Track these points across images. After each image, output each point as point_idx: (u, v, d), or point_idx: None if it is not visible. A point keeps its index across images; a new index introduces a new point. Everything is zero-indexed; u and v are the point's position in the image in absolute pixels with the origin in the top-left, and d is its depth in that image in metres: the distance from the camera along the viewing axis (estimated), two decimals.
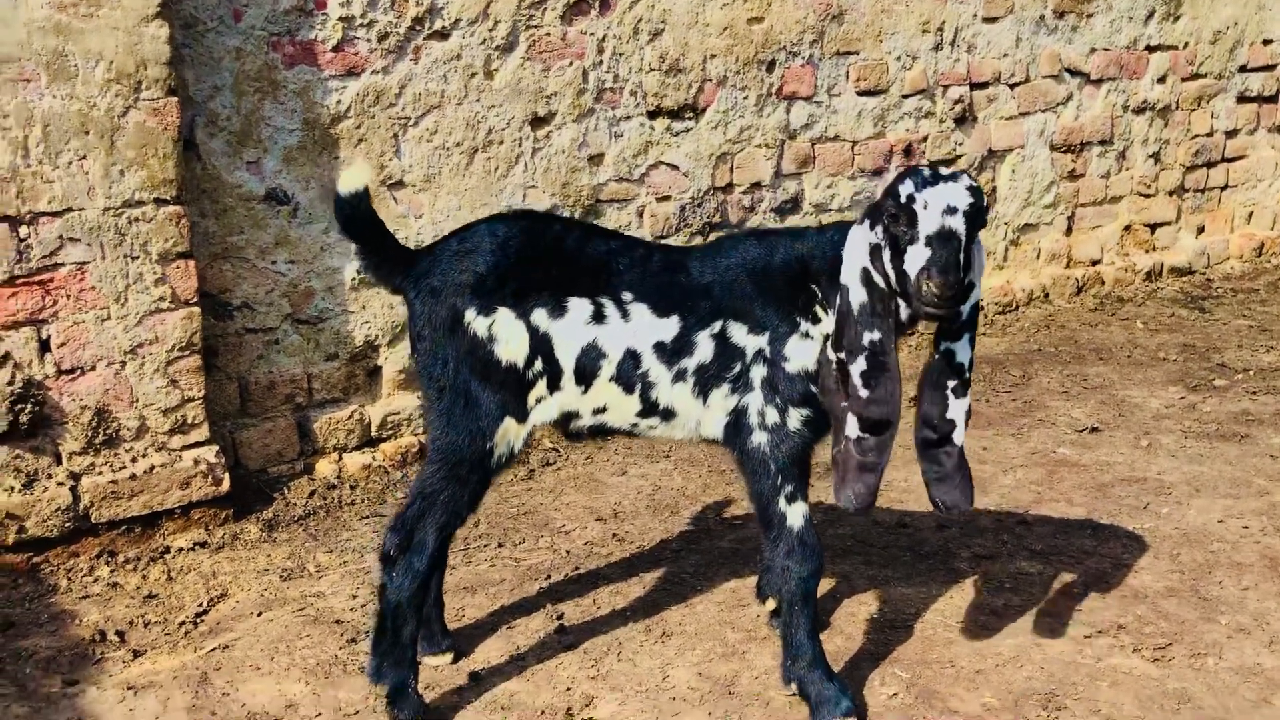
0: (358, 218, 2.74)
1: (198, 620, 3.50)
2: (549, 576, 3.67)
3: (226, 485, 4.07)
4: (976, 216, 2.54)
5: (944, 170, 2.57)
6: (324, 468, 4.46)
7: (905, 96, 5.78)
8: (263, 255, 4.30)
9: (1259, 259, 7.40)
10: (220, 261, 4.22)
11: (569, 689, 3.02)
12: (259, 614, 3.52)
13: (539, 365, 2.76)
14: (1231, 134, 7.22)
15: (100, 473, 3.87)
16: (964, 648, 3.11)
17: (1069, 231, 6.64)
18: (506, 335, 2.73)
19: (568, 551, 3.84)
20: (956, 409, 2.72)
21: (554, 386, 2.79)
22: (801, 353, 2.76)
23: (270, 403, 4.41)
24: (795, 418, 2.77)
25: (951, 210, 2.50)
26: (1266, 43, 7.16)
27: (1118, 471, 4.25)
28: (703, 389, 2.80)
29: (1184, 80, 6.84)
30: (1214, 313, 6.36)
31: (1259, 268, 7.26)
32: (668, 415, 2.84)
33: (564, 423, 2.86)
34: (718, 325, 2.78)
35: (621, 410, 2.82)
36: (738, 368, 2.79)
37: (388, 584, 2.80)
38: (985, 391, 5.15)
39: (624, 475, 4.45)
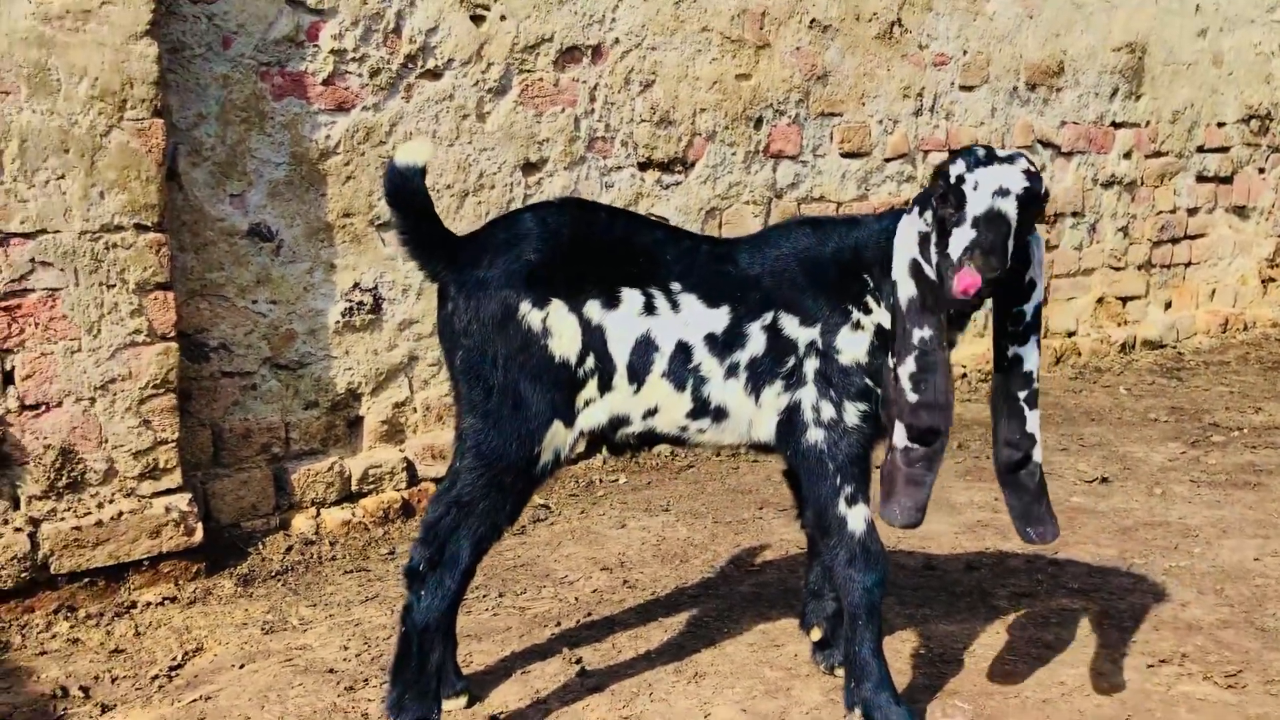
0: (408, 192, 2.53)
1: (172, 673, 3.16)
2: (559, 623, 3.39)
3: (200, 535, 3.75)
4: (1031, 202, 2.35)
5: (1000, 151, 2.41)
6: (301, 523, 4.15)
7: (888, 160, 5.77)
8: (243, 294, 4.06)
9: (1225, 334, 7.47)
10: (198, 299, 3.97)
11: None
12: (241, 666, 3.18)
13: (590, 362, 2.56)
14: (1193, 212, 7.35)
15: (63, 519, 3.54)
16: (1025, 678, 2.90)
17: (1045, 302, 6.62)
18: (560, 329, 2.53)
19: (576, 599, 3.56)
20: (1033, 421, 2.57)
21: (605, 387, 2.58)
22: (853, 344, 2.59)
23: (245, 452, 4.11)
24: (852, 412, 2.58)
25: (1003, 192, 2.33)
26: (1220, 125, 7.35)
27: (1138, 516, 4.11)
28: (755, 385, 2.61)
29: (1147, 157, 6.97)
30: (1191, 381, 6.35)
31: (1226, 343, 7.32)
32: (719, 415, 2.63)
33: (611, 430, 2.64)
34: (769, 316, 2.61)
35: (672, 411, 2.61)
36: (791, 362, 2.60)
37: (414, 604, 2.51)
38: (985, 448, 5.01)
39: (624, 528, 4.21)
